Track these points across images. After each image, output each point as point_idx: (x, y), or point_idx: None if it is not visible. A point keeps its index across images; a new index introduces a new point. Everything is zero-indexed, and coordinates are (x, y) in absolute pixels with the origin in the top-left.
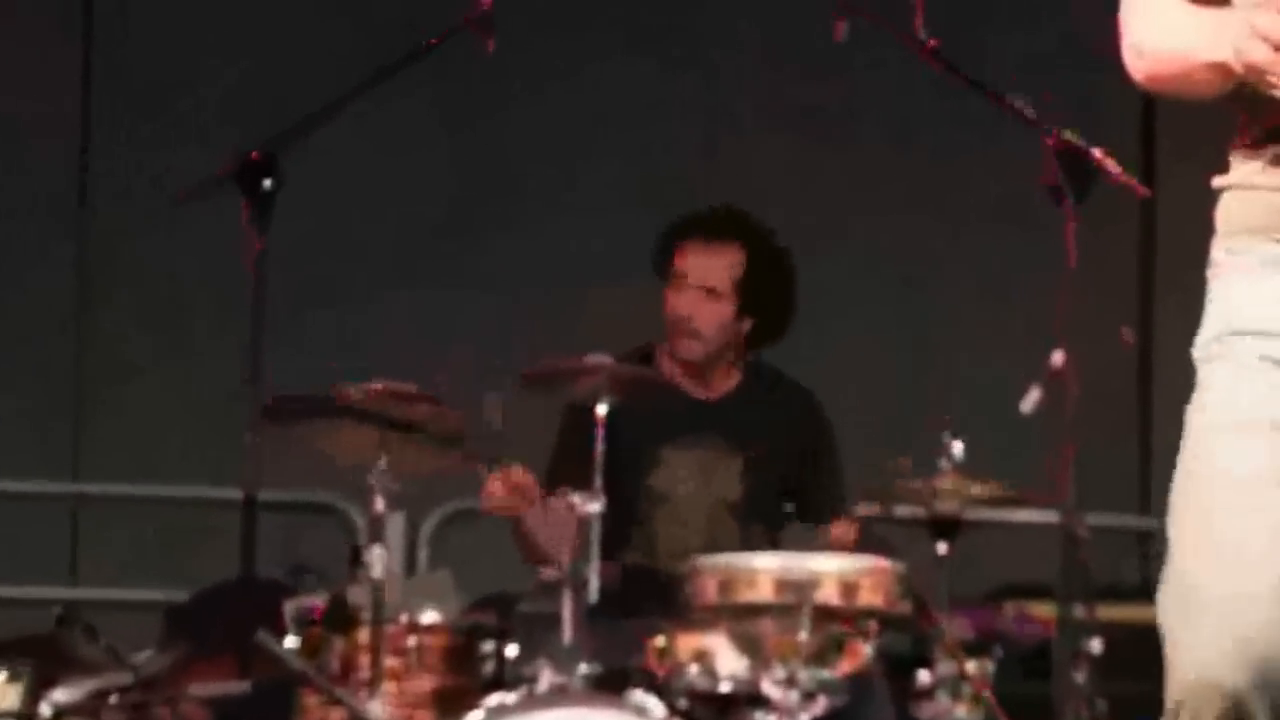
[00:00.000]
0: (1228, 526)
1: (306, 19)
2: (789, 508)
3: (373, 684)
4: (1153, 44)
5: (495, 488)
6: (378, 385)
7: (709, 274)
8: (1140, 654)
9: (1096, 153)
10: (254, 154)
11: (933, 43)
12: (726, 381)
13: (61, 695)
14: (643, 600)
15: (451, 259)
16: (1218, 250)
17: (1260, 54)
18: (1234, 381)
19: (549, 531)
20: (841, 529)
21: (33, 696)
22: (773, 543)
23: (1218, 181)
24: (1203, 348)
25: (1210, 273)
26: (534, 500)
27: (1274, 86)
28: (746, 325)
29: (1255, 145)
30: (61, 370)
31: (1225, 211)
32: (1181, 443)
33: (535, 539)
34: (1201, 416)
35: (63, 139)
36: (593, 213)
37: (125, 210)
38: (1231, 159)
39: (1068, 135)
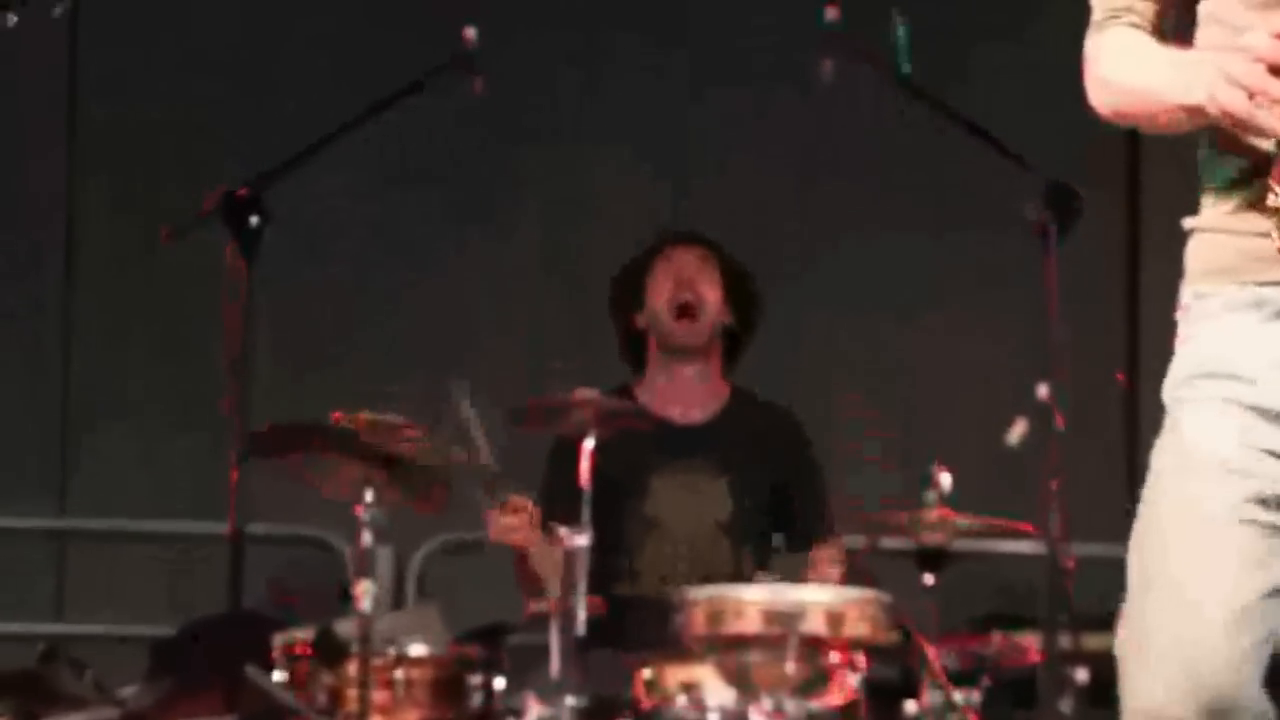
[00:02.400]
0: (1182, 567)
1: (292, 59)
2: (777, 540)
3: (360, 717)
4: (1122, 80)
5: (501, 517)
6: (364, 417)
7: (695, 256)
8: None
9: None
10: (240, 191)
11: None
12: (710, 405)
13: None
14: (631, 631)
15: (439, 293)
16: (1186, 293)
17: (1235, 101)
18: (1197, 425)
19: (554, 565)
20: (829, 550)
21: None
22: (762, 570)
23: (1188, 223)
24: (1170, 390)
25: (1179, 315)
26: (538, 526)
27: (1249, 133)
28: (728, 319)
29: (1223, 188)
30: (48, 404)
31: (1193, 254)
32: (1145, 483)
33: (542, 572)
34: (1163, 459)
35: (48, 177)
36: (577, 249)
37: (111, 245)
38: (1201, 200)
39: (1051, 174)
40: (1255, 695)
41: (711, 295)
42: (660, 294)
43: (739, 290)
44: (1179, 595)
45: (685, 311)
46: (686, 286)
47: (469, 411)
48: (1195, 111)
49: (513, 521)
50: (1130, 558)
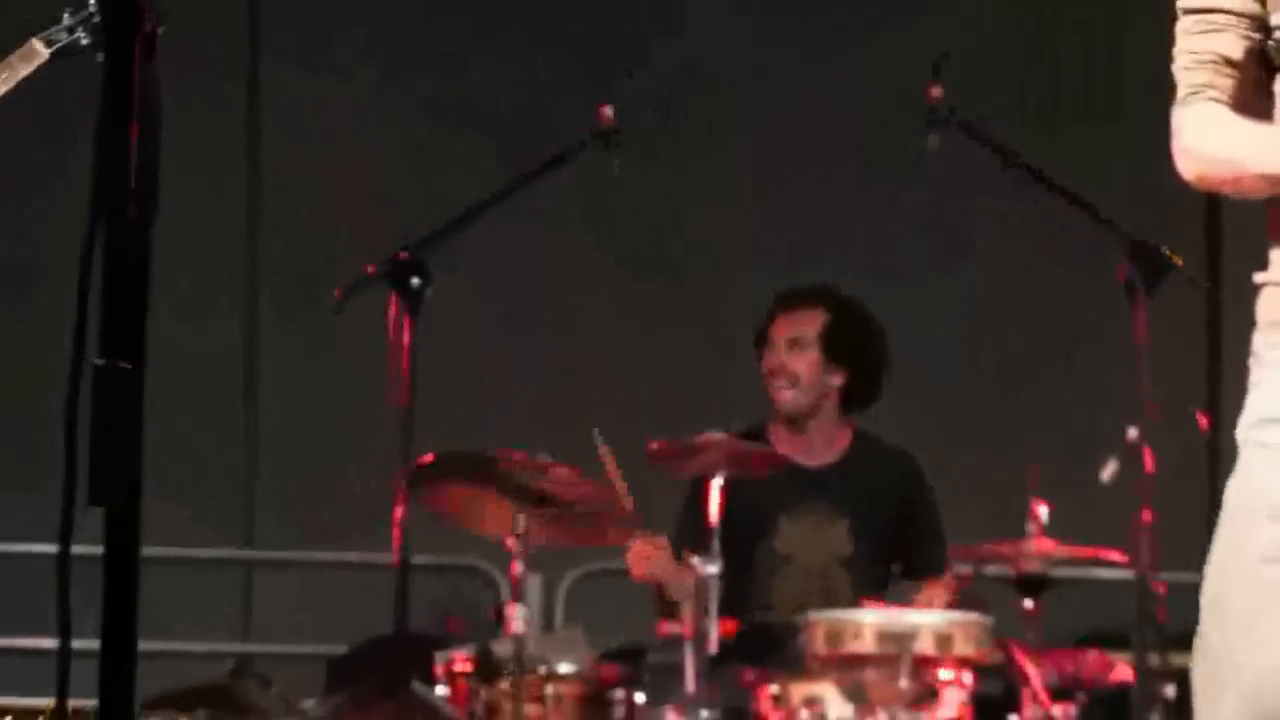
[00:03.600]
0: (1245, 606)
1: (451, 137)
2: (895, 568)
3: None
4: (1208, 151)
5: (641, 550)
6: (518, 455)
7: (792, 329)
8: None
9: (1164, 250)
10: (402, 253)
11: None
12: (832, 449)
13: None
14: (759, 653)
15: (585, 341)
16: (1257, 340)
17: None
18: (1264, 468)
19: (687, 592)
20: (935, 589)
21: None
22: (879, 599)
23: (1259, 277)
24: (1241, 431)
25: (1250, 361)
26: (671, 560)
27: None
28: (837, 379)
29: None
30: (233, 448)
31: (1263, 306)
32: (1218, 521)
33: (678, 600)
34: (1234, 499)
35: (231, 234)
36: (715, 298)
37: (290, 295)
38: (1270, 254)
39: (1138, 236)
40: None
41: (804, 368)
42: (762, 363)
43: (842, 346)
44: (1245, 641)
45: (782, 389)
46: (778, 371)
47: (609, 456)
48: (1278, 180)
49: (648, 551)
50: (1203, 591)
